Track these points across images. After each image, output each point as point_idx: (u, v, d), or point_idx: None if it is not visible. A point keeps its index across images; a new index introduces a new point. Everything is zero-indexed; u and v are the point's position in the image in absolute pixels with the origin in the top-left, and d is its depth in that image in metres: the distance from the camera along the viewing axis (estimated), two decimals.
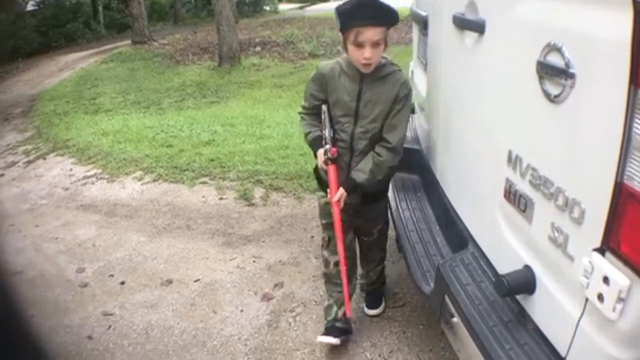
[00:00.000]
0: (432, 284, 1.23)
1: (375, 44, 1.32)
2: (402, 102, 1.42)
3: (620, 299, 0.70)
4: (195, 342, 1.81)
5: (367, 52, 1.31)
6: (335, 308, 1.67)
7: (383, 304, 1.88)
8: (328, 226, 1.60)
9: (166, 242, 2.55)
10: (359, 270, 1.81)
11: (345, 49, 1.39)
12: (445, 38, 1.38)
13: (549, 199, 0.83)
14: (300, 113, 1.59)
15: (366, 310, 1.86)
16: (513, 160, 0.94)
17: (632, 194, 0.67)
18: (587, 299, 0.77)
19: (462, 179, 1.33)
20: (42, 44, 10.98)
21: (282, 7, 17.94)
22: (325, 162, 1.46)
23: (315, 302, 1.95)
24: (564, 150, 0.78)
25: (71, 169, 3.73)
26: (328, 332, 1.66)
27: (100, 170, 3.62)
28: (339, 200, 1.45)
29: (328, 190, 1.48)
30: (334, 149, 1.44)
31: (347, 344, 1.70)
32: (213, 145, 3.88)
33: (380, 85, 1.41)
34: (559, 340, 0.87)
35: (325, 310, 1.71)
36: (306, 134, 1.54)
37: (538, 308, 0.92)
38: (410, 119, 2.12)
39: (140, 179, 3.39)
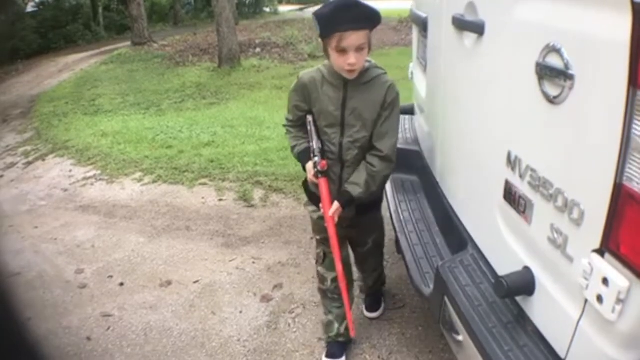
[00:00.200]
0: (431, 286, 1.22)
1: (359, 49, 1.24)
2: (390, 107, 1.34)
3: (619, 301, 0.70)
4: (194, 344, 1.81)
5: (352, 58, 1.23)
6: (336, 325, 1.61)
7: (382, 307, 1.86)
8: (323, 242, 1.52)
9: (165, 243, 2.55)
10: (356, 275, 1.78)
11: (327, 55, 1.30)
12: (444, 39, 1.38)
13: (549, 200, 0.83)
14: (284, 126, 1.51)
15: (365, 313, 1.84)
16: (512, 162, 0.94)
17: (631, 195, 0.67)
18: (586, 300, 0.77)
19: (461, 180, 1.33)
20: (42, 46, 11.00)
21: (282, 8, 17.99)
22: (315, 176, 1.37)
23: (315, 303, 1.94)
24: (563, 151, 0.78)
25: (70, 170, 3.72)
26: (331, 350, 1.62)
27: (99, 172, 3.61)
28: (333, 216, 1.36)
29: (320, 205, 1.40)
30: (324, 162, 1.36)
31: (347, 346, 1.69)
32: (213, 147, 3.88)
33: (365, 91, 1.33)
34: (558, 342, 0.86)
35: (325, 326, 1.65)
36: (293, 148, 1.46)
37: (537, 309, 0.92)
38: (410, 120, 2.14)
39: (139, 180, 3.39)
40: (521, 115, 0.91)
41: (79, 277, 2.31)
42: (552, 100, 0.79)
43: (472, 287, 1.05)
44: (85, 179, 3.52)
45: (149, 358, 1.76)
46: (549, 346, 0.89)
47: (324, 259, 1.57)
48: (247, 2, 16.50)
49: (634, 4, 0.62)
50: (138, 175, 3.47)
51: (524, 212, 0.91)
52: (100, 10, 12.82)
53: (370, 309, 1.84)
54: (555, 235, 0.82)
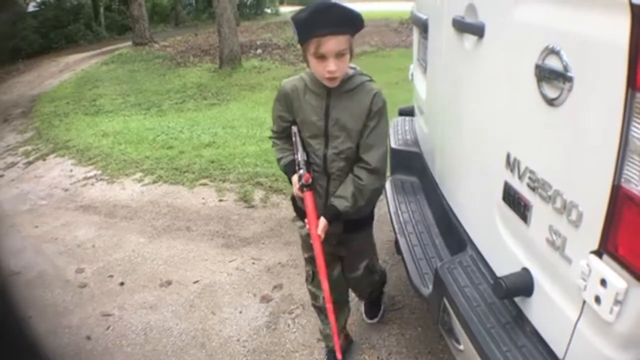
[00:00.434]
0: (430, 287, 1.23)
1: (339, 55, 1.15)
2: (376, 117, 1.25)
3: (617, 302, 0.70)
4: (194, 343, 1.81)
5: (331, 65, 1.15)
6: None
7: (382, 311, 1.85)
8: (311, 260, 1.42)
9: (166, 243, 2.55)
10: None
11: (306, 62, 1.22)
12: (444, 41, 1.38)
13: (547, 202, 0.83)
14: (270, 137, 1.44)
15: (365, 318, 1.83)
16: (511, 163, 0.95)
17: (629, 196, 0.67)
18: (584, 302, 0.77)
19: (460, 182, 1.33)
20: (43, 45, 11.03)
21: (283, 9, 18.03)
22: (300, 189, 1.30)
23: None
24: (562, 153, 0.79)
25: (71, 170, 3.73)
26: (330, 357, 1.62)
27: (100, 172, 3.62)
28: (319, 233, 1.28)
29: (306, 221, 1.32)
30: (308, 175, 1.28)
31: (347, 347, 1.70)
32: (213, 147, 3.89)
33: (349, 99, 1.25)
34: (556, 343, 0.87)
35: (323, 337, 1.64)
36: (279, 160, 1.39)
37: (536, 310, 0.92)
38: (410, 121, 2.14)
39: (140, 181, 3.39)
40: (520, 117, 0.91)
41: (79, 276, 2.31)
42: (550, 102, 0.79)
43: (471, 288, 1.05)
44: (85, 178, 3.53)
45: (149, 357, 1.76)
46: (547, 347, 0.89)
47: (313, 278, 1.50)
48: (248, 3, 16.55)
49: (632, 6, 0.62)
50: (138, 175, 3.48)
51: (522, 214, 0.92)
52: (102, 10, 12.86)
53: (369, 314, 1.83)
54: (554, 237, 0.82)
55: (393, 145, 1.93)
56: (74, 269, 2.37)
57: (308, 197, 1.29)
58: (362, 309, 1.86)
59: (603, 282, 0.72)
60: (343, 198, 1.27)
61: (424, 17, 1.68)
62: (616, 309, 0.70)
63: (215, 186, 3.19)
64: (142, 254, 2.46)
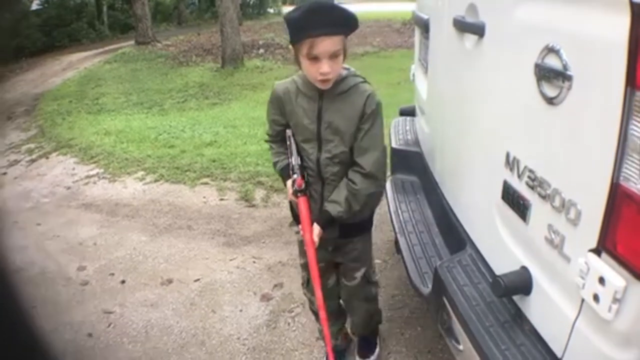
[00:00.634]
0: (429, 286, 1.23)
1: (333, 56, 1.12)
2: (370, 119, 1.20)
3: (615, 300, 0.70)
4: (194, 341, 1.82)
5: (324, 67, 1.11)
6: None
7: (377, 352, 1.64)
8: (307, 266, 1.36)
9: (167, 241, 2.56)
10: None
11: (298, 63, 1.18)
12: (445, 41, 1.39)
13: (546, 200, 0.83)
14: (266, 141, 1.41)
15: (356, 358, 1.63)
16: (511, 162, 0.95)
17: (628, 195, 0.68)
18: (583, 300, 0.77)
19: (460, 181, 1.34)
20: (46, 44, 11.06)
21: (286, 9, 18.01)
22: (294, 195, 1.26)
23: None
24: (561, 151, 0.79)
25: (73, 168, 3.75)
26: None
27: (102, 170, 3.63)
28: (313, 239, 1.24)
29: (300, 227, 1.28)
30: (300, 180, 1.24)
31: (345, 347, 1.70)
32: (215, 147, 3.90)
33: (341, 101, 1.21)
34: (555, 341, 0.87)
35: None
36: (274, 164, 1.36)
37: (534, 309, 0.92)
38: (411, 121, 2.15)
39: (142, 179, 3.40)
40: (520, 116, 0.92)
41: (81, 274, 2.32)
42: (550, 101, 0.80)
43: (470, 287, 1.06)
44: (88, 177, 3.54)
45: (150, 355, 1.77)
46: (546, 345, 0.89)
47: (308, 283, 1.47)
48: (251, 2, 16.56)
49: (632, 5, 0.62)
50: (140, 174, 3.49)
51: (521, 212, 0.92)
52: (105, 9, 12.89)
53: (362, 352, 1.62)
54: (553, 235, 0.82)
55: (394, 145, 1.93)
56: (76, 266, 2.38)
57: (302, 203, 1.25)
58: (355, 348, 1.67)
59: (601, 281, 0.72)
60: (336, 203, 1.24)
61: (425, 17, 1.69)
62: (615, 307, 0.70)
63: (217, 185, 3.20)
64: (143, 252, 2.47)
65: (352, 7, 1.22)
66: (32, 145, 4.44)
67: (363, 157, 1.22)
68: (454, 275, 1.10)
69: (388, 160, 1.41)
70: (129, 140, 4.19)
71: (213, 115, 5.03)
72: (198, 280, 2.20)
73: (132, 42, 10.55)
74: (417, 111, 2.03)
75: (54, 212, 3.04)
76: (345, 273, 1.45)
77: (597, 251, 0.73)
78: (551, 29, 0.80)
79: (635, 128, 0.65)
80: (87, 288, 2.21)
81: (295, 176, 1.26)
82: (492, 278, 0.97)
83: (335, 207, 1.24)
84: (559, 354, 0.85)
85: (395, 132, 2.06)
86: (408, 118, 2.16)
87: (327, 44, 1.10)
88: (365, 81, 1.25)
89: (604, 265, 0.72)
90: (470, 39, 1.17)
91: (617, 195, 0.69)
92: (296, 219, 1.38)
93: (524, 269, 0.93)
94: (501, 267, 1.02)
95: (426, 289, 1.24)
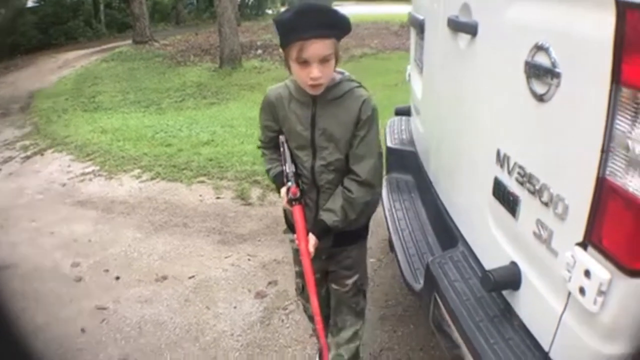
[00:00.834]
0: (421, 282, 1.24)
1: (323, 60, 1.07)
2: (365, 126, 1.16)
3: (601, 292, 0.72)
4: (188, 337, 1.82)
5: (315, 71, 1.07)
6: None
7: None
8: (301, 274, 1.35)
9: (162, 239, 2.56)
10: (329, 338, 1.41)
11: (288, 67, 1.14)
12: (440, 41, 1.41)
13: (535, 196, 0.85)
14: (259, 147, 1.38)
15: None
16: (501, 159, 0.97)
17: (613, 189, 0.69)
18: (569, 294, 0.79)
19: (453, 179, 1.35)
20: (42, 41, 11.00)
21: (279, 13, 18.02)
22: (289, 203, 1.22)
23: None
24: (549, 147, 0.81)
25: (69, 166, 3.74)
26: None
27: (98, 168, 3.63)
28: (309, 249, 1.20)
29: (295, 237, 1.24)
30: (295, 189, 1.21)
31: None
32: (212, 146, 3.91)
33: (336, 107, 1.17)
34: (542, 336, 0.88)
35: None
36: (267, 171, 1.33)
37: (523, 304, 0.94)
38: (407, 121, 2.16)
39: (138, 177, 3.40)
40: (510, 114, 0.94)
41: (75, 270, 2.32)
42: (539, 98, 0.81)
43: (461, 282, 1.07)
44: (83, 174, 3.53)
45: (143, 350, 1.77)
46: (534, 340, 0.91)
47: (302, 290, 1.43)
48: (249, 3, 16.58)
49: (617, 4, 0.64)
50: (137, 172, 3.49)
51: (511, 208, 0.93)
52: (102, 7, 12.85)
53: None
54: (541, 230, 0.84)
55: (389, 144, 1.95)
56: (70, 262, 2.38)
57: (297, 212, 1.22)
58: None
59: (587, 273, 0.73)
60: (332, 212, 1.20)
61: (420, 17, 1.71)
62: (600, 299, 0.72)
63: (213, 184, 3.21)
64: (138, 249, 2.47)
65: (348, 9, 1.21)
66: (26, 142, 4.43)
67: (359, 165, 1.19)
68: (445, 271, 1.11)
69: (383, 160, 1.39)
70: (126, 139, 4.19)
71: (210, 114, 5.03)
72: (193, 277, 2.20)
73: (129, 41, 10.53)
74: (412, 111, 2.04)
75: (49, 208, 3.03)
76: (336, 279, 1.39)
77: (583, 245, 0.75)
78: (541, 28, 0.82)
79: (620, 123, 0.67)
80: (81, 284, 2.21)
81: (289, 184, 1.22)
82: (482, 273, 0.98)
83: (330, 216, 1.20)
84: (546, 348, 0.87)
85: (391, 132, 2.07)
86: (403, 118, 2.18)
87: (317, 47, 1.06)
88: (360, 86, 1.20)
89: (589, 259, 0.73)
90: (463, 38, 1.19)
91: (603, 190, 0.70)
92: (290, 227, 1.35)
93: (513, 264, 0.94)
94: (491, 263, 1.03)
95: (418, 285, 1.25)
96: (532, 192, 0.86)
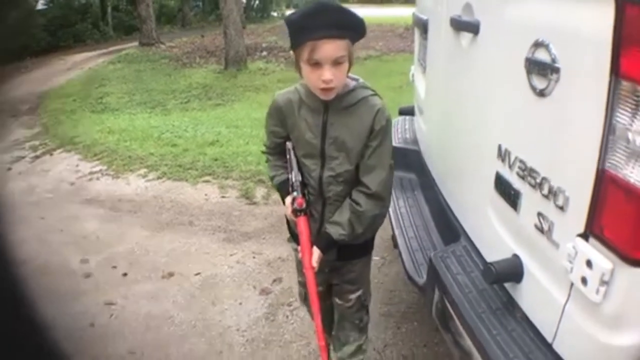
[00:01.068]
0: (424, 276, 1.26)
1: (336, 62, 1.02)
2: (379, 136, 1.12)
3: (603, 282, 0.73)
4: (194, 332, 1.85)
5: (326, 73, 1.02)
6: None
7: None
8: (305, 285, 1.28)
9: (168, 236, 2.59)
10: (332, 353, 1.40)
11: (298, 70, 1.09)
12: (443, 40, 1.43)
13: (535, 189, 0.86)
14: (264, 152, 1.33)
15: None
16: (503, 154, 0.98)
17: (614, 180, 0.71)
18: (572, 284, 0.80)
19: (456, 176, 1.37)
20: (51, 43, 11.11)
21: (290, 13, 18.12)
22: (294, 214, 1.18)
23: None
24: (549, 141, 0.82)
25: (77, 165, 3.79)
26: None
27: (105, 167, 3.67)
28: (313, 265, 1.16)
29: (299, 248, 1.20)
30: (301, 199, 1.15)
31: None
32: (217, 146, 3.94)
33: (349, 115, 1.12)
34: (545, 327, 0.90)
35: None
36: (272, 178, 1.28)
37: (525, 296, 0.95)
38: (410, 120, 2.18)
39: (144, 176, 3.44)
40: (511, 109, 0.95)
41: (84, 266, 2.35)
42: (539, 93, 0.83)
43: (463, 276, 1.09)
44: (91, 173, 3.58)
45: (150, 345, 1.80)
46: (537, 331, 0.92)
47: (306, 298, 1.37)
48: (255, 6, 16.67)
49: None
50: (143, 171, 3.53)
51: (512, 202, 0.95)
52: (109, 10, 12.97)
53: None
54: (542, 222, 0.86)
55: (393, 143, 1.97)
56: (79, 259, 2.41)
57: (302, 223, 1.17)
58: None
59: (589, 264, 0.75)
60: (338, 225, 1.15)
61: (424, 18, 1.73)
62: (602, 289, 0.73)
63: (218, 183, 3.24)
64: (145, 247, 2.50)
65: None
66: (36, 142, 4.48)
67: (369, 176, 1.14)
68: (447, 264, 1.13)
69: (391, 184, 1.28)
70: (132, 139, 4.23)
71: (216, 115, 5.07)
72: (199, 274, 2.23)
73: (136, 43, 10.62)
74: (416, 110, 2.06)
75: (58, 206, 3.07)
76: (340, 294, 1.35)
77: (584, 236, 0.77)
78: (541, 25, 0.84)
79: (620, 116, 0.68)
80: (90, 280, 2.24)
81: (295, 194, 1.17)
82: (484, 265, 1.00)
83: (337, 230, 1.15)
84: (549, 339, 0.88)
85: (395, 131, 2.09)
86: (407, 117, 2.20)
87: (329, 47, 1.01)
88: (375, 94, 1.15)
89: (591, 249, 0.75)
90: (466, 37, 1.21)
91: (604, 181, 0.72)
92: (293, 236, 1.31)
93: (515, 256, 0.96)
94: (493, 256, 1.04)
95: (421, 279, 1.27)
96: (533, 186, 0.87)
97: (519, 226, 0.95)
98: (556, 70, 0.78)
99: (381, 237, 2.30)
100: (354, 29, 1.06)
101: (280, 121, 1.20)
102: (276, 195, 2.97)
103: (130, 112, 5.43)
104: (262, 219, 2.73)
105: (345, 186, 1.16)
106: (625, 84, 0.67)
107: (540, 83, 0.83)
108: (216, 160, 3.58)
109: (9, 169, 3.89)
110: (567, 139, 0.78)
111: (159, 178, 3.39)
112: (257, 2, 16.79)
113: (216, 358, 1.72)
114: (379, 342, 1.72)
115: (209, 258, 2.37)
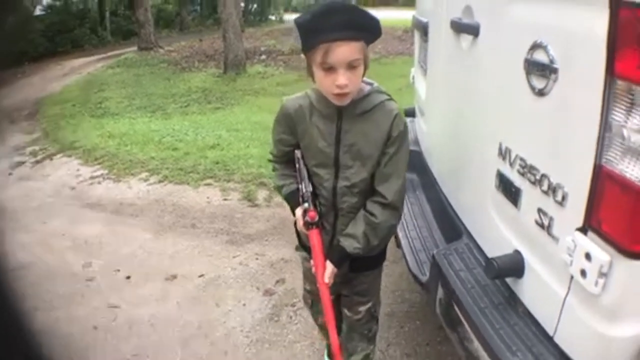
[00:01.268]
0: (427, 274, 1.28)
1: (350, 66, 0.97)
2: (396, 143, 1.07)
3: (601, 274, 0.75)
4: (198, 334, 1.86)
5: (341, 78, 0.96)
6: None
7: None
8: (312, 292, 1.29)
9: (171, 239, 2.61)
10: None
11: (311, 75, 1.04)
12: (443, 42, 1.45)
13: (535, 186, 0.89)
14: (270, 161, 1.26)
15: None
16: (503, 153, 1.01)
17: (611, 175, 0.73)
18: (572, 278, 0.83)
19: (457, 176, 1.40)
20: (49, 49, 11.13)
21: (288, 17, 18.20)
22: (306, 226, 1.12)
23: None
24: (548, 138, 0.85)
25: (78, 170, 3.80)
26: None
27: (106, 171, 3.69)
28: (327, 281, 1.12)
29: (312, 262, 1.16)
30: (313, 212, 1.10)
31: None
32: (218, 149, 3.96)
33: (365, 121, 1.07)
34: (547, 321, 0.92)
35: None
36: (280, 188, 1.22)
37: (527, 291, 0.98)
38: (411, 122, 2.21)
39: (146, 180, 3.46)
40: (511, 109, 0.98)
41: (87, 270, 2.36)
42: (538, 93, 0.86)
43: (466, 272, 1.11)
44: (92, 177, 3.59)
45: (155, 346, 1.81)
46: (539, 325, 0.94)
47: (312, 304, 1.38)
48: (253, 10, 16.75)
49: (611, 2, 0.69)
50: (144, 175, 3.55)
51: (513, 199, 0.98)
52: (107, 15, 13.02)
53: None
54: (542, 218, 0.88)
55: None
56: (82, 263, 2.42)
57: (314, 237, 1.12)
58: None
59: (588, 257, 0.77)
60: (353, 238, 1.10)
61: (424, 20, 1.76)
62: (601, 281, 0.76)
63: (220, 186, 3.26)
64: (148, 250, 2.51)
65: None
66: (36, 148, 4.49)
67: (385, 185, 1.09)
68: (450, 261, 1.15)
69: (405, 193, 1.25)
70: (133, 143, 4.25)
71: (216, 119, 5.10)
72: (202, 276, 2.24)
73: (134, 47, 10.64)
74: (417, 112, 2.09)
75: (59, 211, 3.08)
76: (349, 305, 1.31)
77: (583, 230, 0.79)
78: (539, 27, 0.87)
79: (616, 114, 0.71)
80: (93, 284, 2.25)
81: (306, 205, 1.11)
82: (486, 261, 1.02)
83: (351, 243, 1.11)
84: (550, 332, 0.90)
85: None
86: (408, 119, 2.22)
87: (344, 50, 0.95)
88: (390, 98, 1.11)
89: (589, 242, 0.77)
90: (466, 39, 1.24)
91: (601, 176, 0.75)
92: (303, 246, 1.28)
93: (517, 252, 0.98)
94: (495, 252, 1.06)
95: (424, 277, 1.29)
96: (533, 182, 0.90)
97: (520, 222, 0.97)
98: (554, 71, 0.81)
99: None
100: (369, 29, 1.01)
101: (290, 128, 1.15)
102: (278, 198, 3.00)
103: (130, 116, 5.44)
104: (264, 221, 2.75)
105: (360, 197, 1.12)
106: (620, 83, 0.69)
107: (539, 83, 0.85)
108: (217, 163, 3.60)
109: (10, 174, 3.90)
110: (565, 137, 0.81)
111: (160, 182, 3.41)
112: (255, 5, 16.88)
113: (221, 359, 1.74)
114: (383, 341, 1.74)
115: (212, 260, 2.38)
